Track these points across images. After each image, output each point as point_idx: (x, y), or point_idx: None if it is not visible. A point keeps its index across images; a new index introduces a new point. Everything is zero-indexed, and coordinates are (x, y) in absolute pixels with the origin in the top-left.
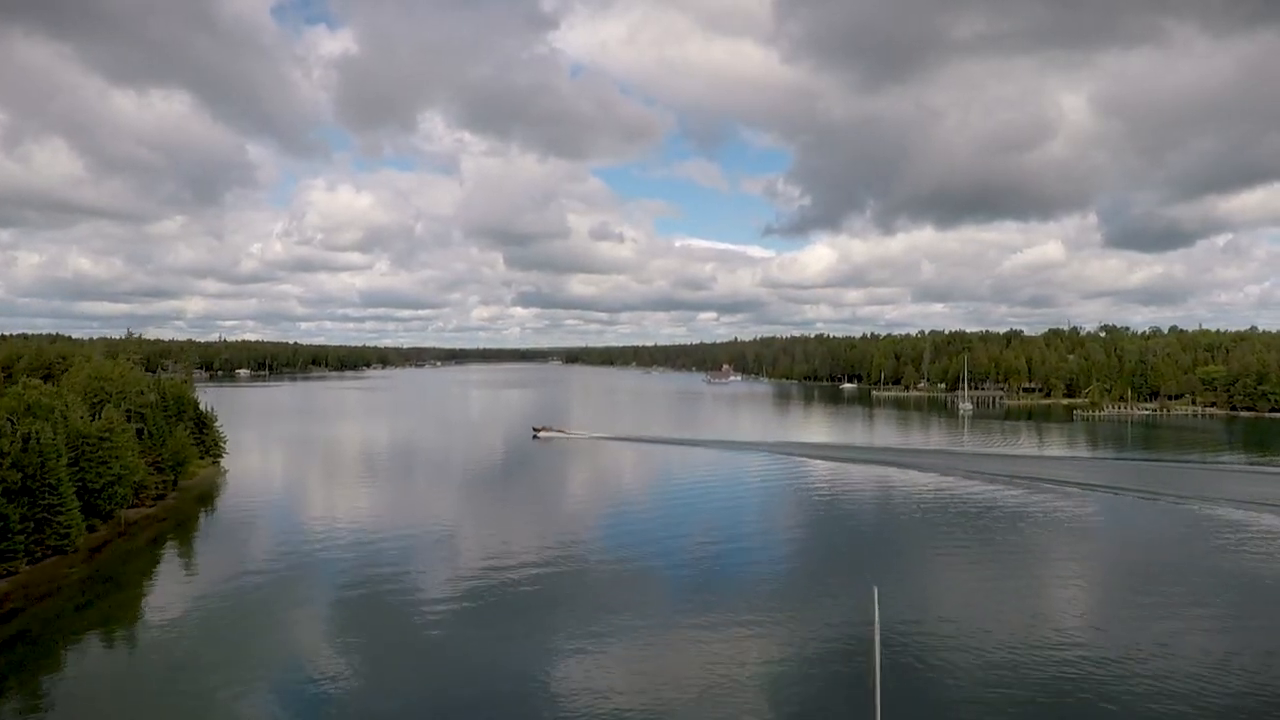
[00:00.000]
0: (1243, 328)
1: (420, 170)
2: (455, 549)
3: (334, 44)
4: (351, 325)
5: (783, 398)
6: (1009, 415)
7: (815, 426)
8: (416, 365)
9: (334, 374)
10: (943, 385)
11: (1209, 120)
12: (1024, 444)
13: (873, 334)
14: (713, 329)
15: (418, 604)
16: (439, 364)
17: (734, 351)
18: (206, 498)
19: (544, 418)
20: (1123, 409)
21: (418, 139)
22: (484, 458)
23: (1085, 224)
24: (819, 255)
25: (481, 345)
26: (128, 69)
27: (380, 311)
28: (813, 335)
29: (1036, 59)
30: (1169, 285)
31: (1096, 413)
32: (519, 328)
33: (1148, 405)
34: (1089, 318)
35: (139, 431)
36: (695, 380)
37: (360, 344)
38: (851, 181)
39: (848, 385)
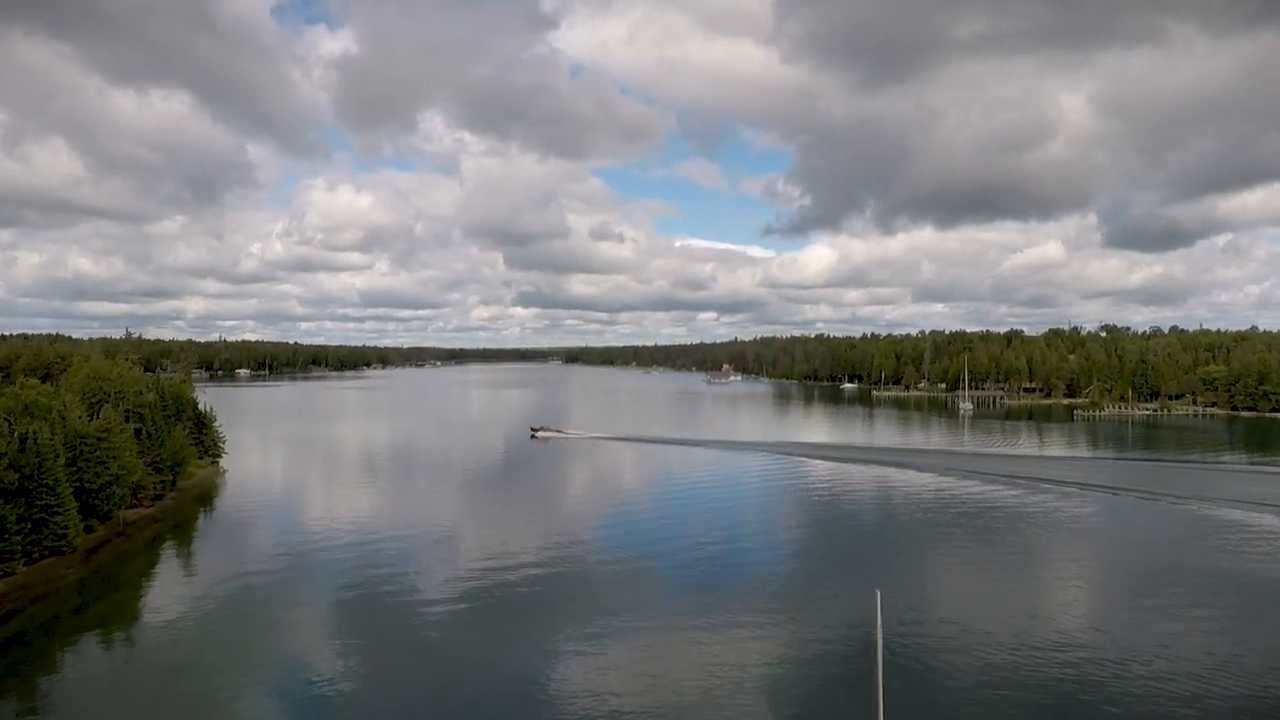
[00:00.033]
0: (1243, 328)
1: (420, 170)
2: (454, 549)
3: (334, 44)
4: (351, 325)
5: (783, 398)
6: (1009, 415)
7: (815, 426)
8: (416, 365)
9: (334, 374)
10: (943, 385)
11: (1209, 120)
12: (1025, 444)
13: (873, 334)
14: (713, 329)
15: (417, 605)
16: (439, 364)
17: (734, 351)
18: (205, 498)
19: (544, 418)
20: (1123, 409)
21: (418, 139)
22: (483, 458)
23: (1085, 224)
24: (819, 255)
25: (481, 345)
26: (128, 69)
27: (380, 311)
28: (813, 335)
29: (1036, 59)
30: (1169, 285)
31: (1097, 413)
32: (519, 328)
33: (1148, 405)
34: (1089, 318)
35: (137, 431)
36: (695, 380)
37: (360, 344)
38: (851, 181)
39: (848, 385)
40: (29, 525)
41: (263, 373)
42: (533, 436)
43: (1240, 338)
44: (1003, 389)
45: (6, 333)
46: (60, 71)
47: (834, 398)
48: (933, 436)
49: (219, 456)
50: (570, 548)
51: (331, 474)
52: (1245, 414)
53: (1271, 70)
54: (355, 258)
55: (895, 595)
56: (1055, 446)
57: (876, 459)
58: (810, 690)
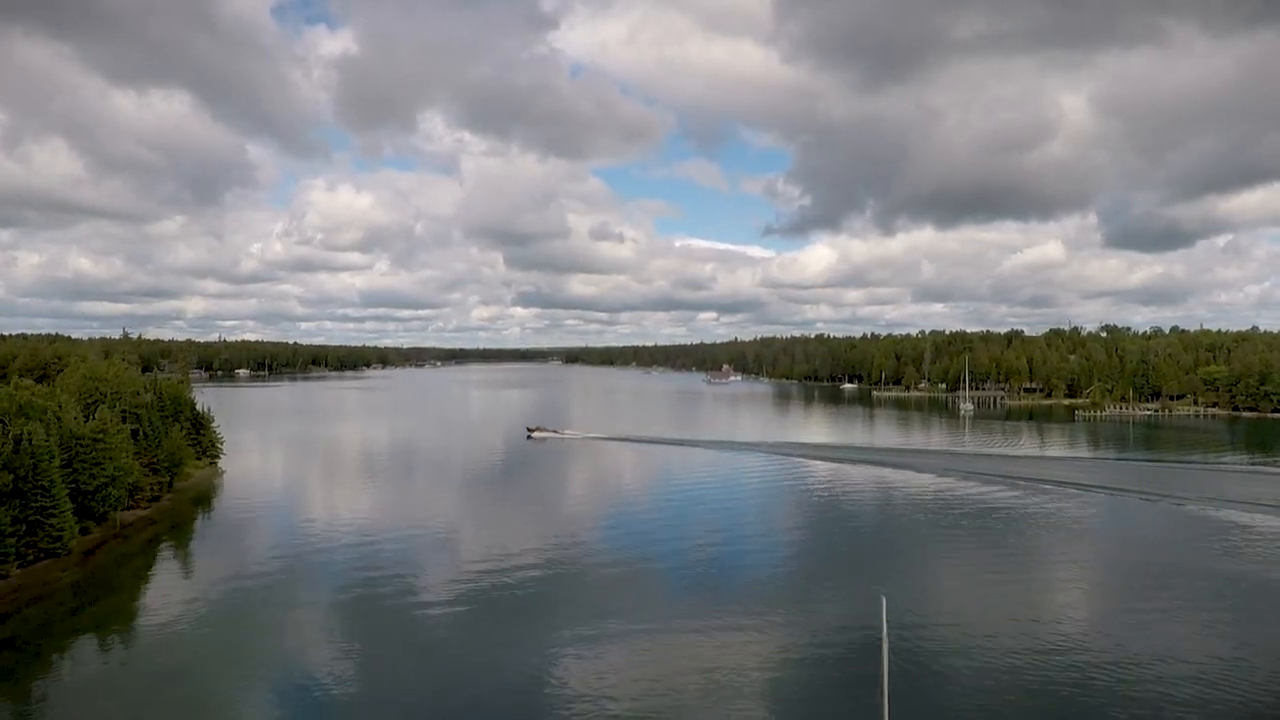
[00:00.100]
0: (1243, 328)
1: (420, 170)
2: (454, 550)
3: (334, 44)
4: (351, 325)
5: (783, 398)
6: (1010, 415)
7: (816, 427)
8: (416, 365)
9: (334, 374)
10: (943, 385)
11: (1209, 120)
12: (1026, 445)
13: (873, 334)
14: (713, 329)
15: (416, 606)
16: (439, 364)
17: (734, 351)
18: (203, 499)
19: (543, 418)
20: (1124, 409)
21: (418, 139)
22: (483, 458)
23: (1085, 224)
24: (819, 255)
25: (481, 345)
26: (128, 69)
27: (380, 311)
28: (813, 335)
29: (1036, 59)
30: (1169, 285)
31: (1098, 413)
32: (519, 328)
33: (1149, 405)
34: (1089, 318)
35: (134, 432)
36: (695, 380)
37: (360, 344)
38: (851, 181)
39: (848, 385)
40: (23, 527)
41: (262, 373)
42: (529, 437)
43: (1241, 338)
44: (1003, 389)
45: (6, 333)
46: (60, 71)
47: (834, 398)
48: (933, 437)
49: (217, 457)
50: (569, 549)
51: (330, 475)
52: (1246, 414)
53: (1271, 70)
54: (355, 258)
55: (897, 597)
56: (1056, 447)
57: (877, 460)
58: (811, 692)
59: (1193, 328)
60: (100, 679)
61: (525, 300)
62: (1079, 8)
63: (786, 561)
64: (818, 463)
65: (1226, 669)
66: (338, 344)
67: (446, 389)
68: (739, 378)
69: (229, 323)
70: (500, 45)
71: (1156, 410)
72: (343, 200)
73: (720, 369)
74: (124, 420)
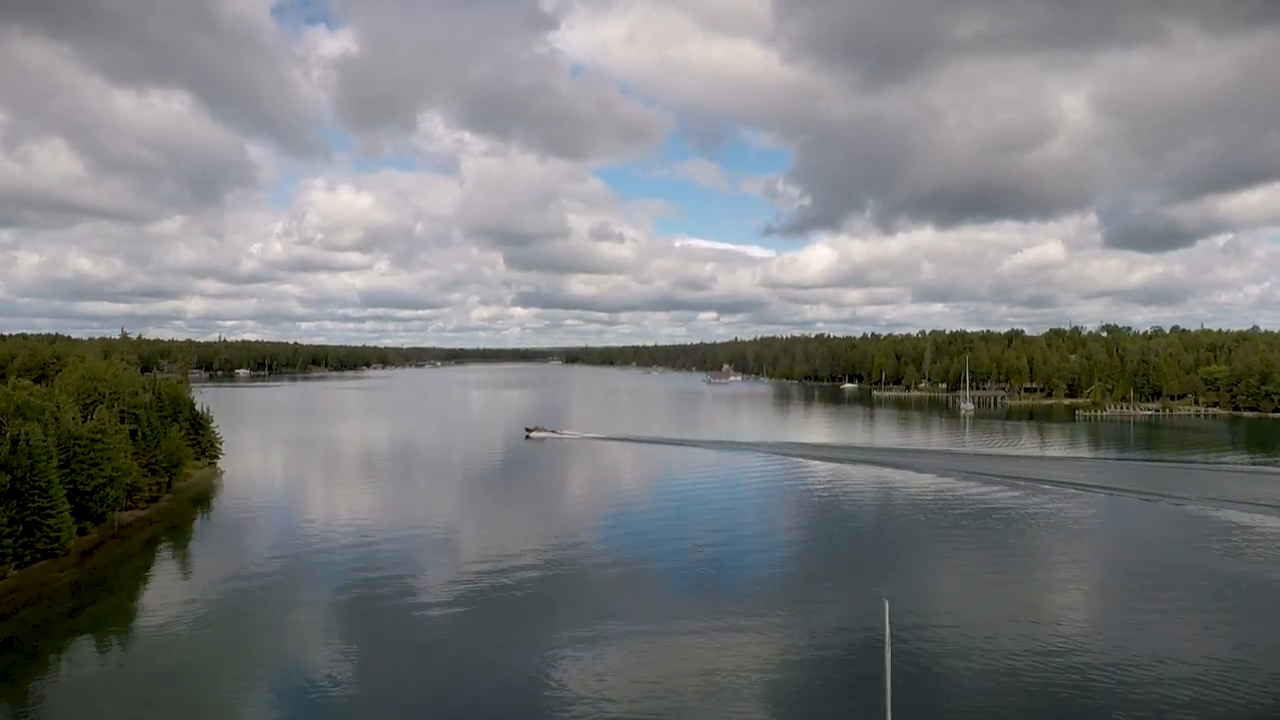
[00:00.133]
0: (1243, 328)
1: (420, 170)
2: (453, 550)
3: (334, 44)
4: (351, 325)
5: (783, 398)
6: (1011, 415)
7: (816, 427)
8: (416, 365)
9: (334, 374)
10: (944, 385)
11: (1209, 120)
12: (1026, 444)
13: (873, 334)
14: (713, 329)
15: (415, 606)
16: (439, 364)
17: (734, 351)
18: (202, 500)
19: (543, 418)
20: (1125, 409)
21: (418, 139)
22: (482, 458)
23: (1085, 224)
24: (819, 255)
25: (481, 345)
26: (128, 69)
27: (380, 311)
28: (813, 335)
29: (1036, 59)
30: (1169, 285)
31: (1099, 413)
32: (519, 328)
33: (1150, 405)
34: (1089, 318)
35: (132, 433)
36: (695, 380)
37: (360, 344)
38: (851, 181)
39: (848, 385)
40: (21, 528)
41: (262, 373)
42: (527, 437)
43: (1242, 338)
44: (1004, 389)
45: (6, 333)
46: (60, 71)
47: (834, 398)
48: (934, 437)
49: (216, 457)
50: (568, 549)
51: (330, 475)
52: (1247, 414)
53: (1271, 70)
54: (355, 258)
55: (898, 598)
56: (1057, 447)
57: (877, 460)
58: (811, 693)
59: (1193, 328)
60: (98, 680)
61: (525, 300)
62: (1079, 8)
63: (786, 562)
64: (818, 463)
65: (1227, 670)
66: (338, 344)
67: (446, 389)
68: (739, 378)
69: (229, 323)
70: (500, 45)
71: (1157, 410)
72: (343, 200)
73: (720, 369)
74: (122, 420)
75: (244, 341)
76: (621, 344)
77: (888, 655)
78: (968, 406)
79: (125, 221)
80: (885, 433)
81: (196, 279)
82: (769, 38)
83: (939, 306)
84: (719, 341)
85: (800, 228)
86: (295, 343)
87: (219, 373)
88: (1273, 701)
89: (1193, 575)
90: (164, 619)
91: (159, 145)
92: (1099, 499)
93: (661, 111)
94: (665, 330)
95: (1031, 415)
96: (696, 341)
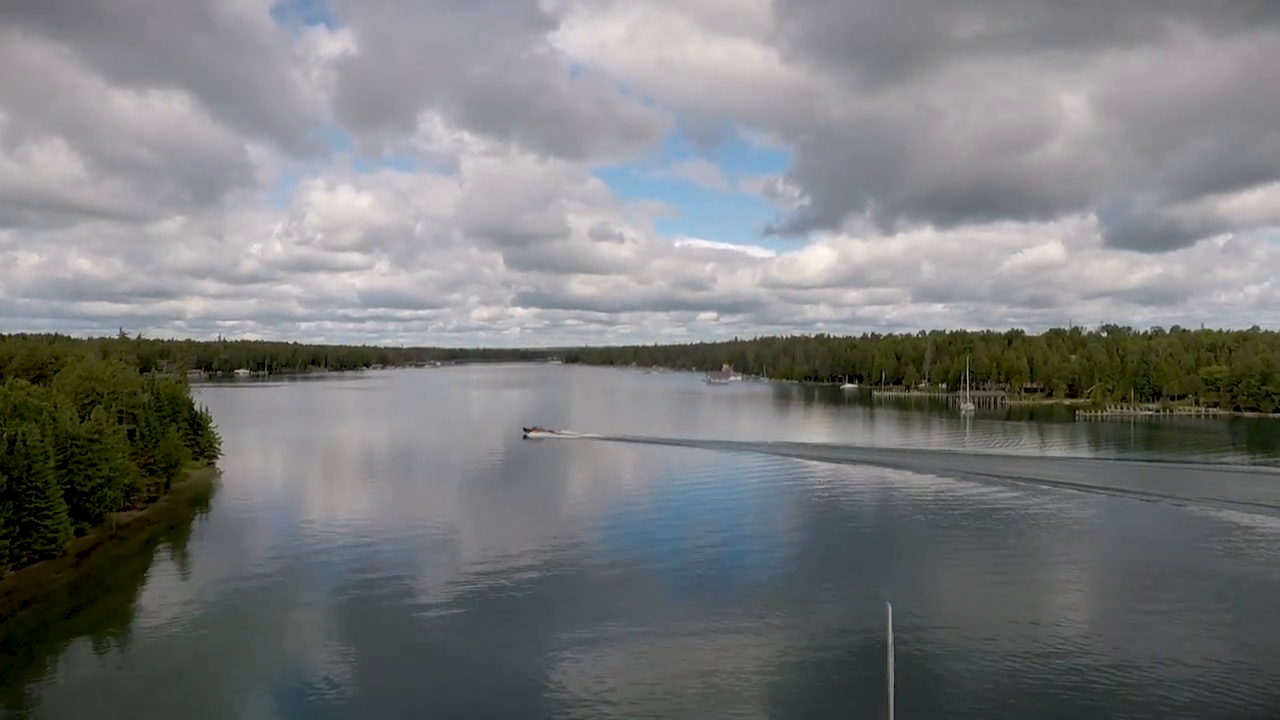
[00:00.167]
0: (1244, 328)
1: (420, 170)
2: (453, 551)
3: (334, 44)
4: (351, 325)
5: (783, 398)
6: (1011, 415)
7: (816, 427)
8: (416, 365)
9: (333, 374)
10: (944, 385)
11: (1209, 120)
12: (1026, 445)
13: (873, 334)
14: (713, 329)
15: (415, 607)
16: (439, 364)
17: (734, 351)
18: (200, 500)
19: (542, 418)
20: (1125, 409)
21: (417, 139)
22: (482, 458)
23: (1085, 224)
24: (819, 255)
25: (481, 345)
26: (128, 69)
27: (380, 311)
28: (813, 335)
29: (1036, 59)
30: (1169, 285)
31: (1099, 413)
32: (519, 328)
33: (1150, 405)
34: (1089, 318)
35: (130, 433)
36: (695, 380)
37: (360, 344)
38: (851, 181)
39: (848, 385)
40: (17, 529)
41: (262, 373)
42: (525, 437)
43: (1242, 338)
44: (1004, 389)
45: (5, 333)
46: (60, 71)
47: (834, 398)
48: (934, 437)
49: (215, 458)
50: (568, 549)
51: (329, 475)
52: (1248, 414)
53: (1271, 70)
54: (355, 258)
55: (899, 599)
56: (1057, 447)
57: (877, 460)
58: (811, 694)
59: (1193, 328)
60: (96, 682)
61: (525, 300)
62: (1079, 8)
63: (786, 563)
64: (818, 463)
65: (1227, 671)
66: (338, 344)
67: (446, 389)
68: (739, 378)
69: (229, 323)
70: (500, 45)
71: (1157, 410)
72: (342, 200)
73: (720, 369)
74: (120, 421)
75: (243, 342)
76: (621, 344)
77: (890, 659)
78: (968, 407)
79: (125, 222)
80: (885, 433)
81: (196, 279)
82: (768, 38)
83: (939, 307)
84: (719, 342)
85: (800, 228)
86: (295, 343)
87: (218, 373)
88: (1273, 702)
89: (1193, 576)
90: (162, 620)
91: (159, 145)
92: (1099, 499)
93: (661, 111)
94: (665, 330)
95: (1032, 415)
96: (696, 342)
